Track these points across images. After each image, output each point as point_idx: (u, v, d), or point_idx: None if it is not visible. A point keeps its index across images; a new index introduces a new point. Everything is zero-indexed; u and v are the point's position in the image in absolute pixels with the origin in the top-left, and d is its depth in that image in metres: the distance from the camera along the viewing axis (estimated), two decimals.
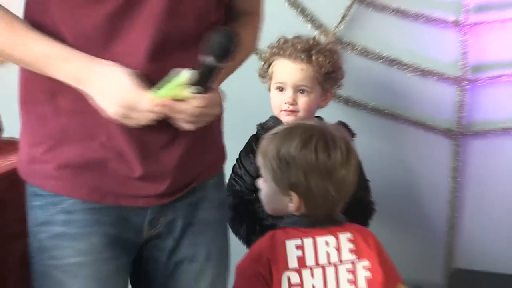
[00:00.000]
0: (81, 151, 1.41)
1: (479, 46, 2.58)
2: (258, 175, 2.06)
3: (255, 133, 2.25)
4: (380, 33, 2.60)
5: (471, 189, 2.68)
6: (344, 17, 2.56)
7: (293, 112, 2.18)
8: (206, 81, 1.42)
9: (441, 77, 2.59)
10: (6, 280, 1.72)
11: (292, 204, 1.76)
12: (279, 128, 1.85)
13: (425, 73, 2.59)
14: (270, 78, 2.22)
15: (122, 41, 1.36)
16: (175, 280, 1.62)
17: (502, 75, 2.55)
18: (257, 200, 2.13)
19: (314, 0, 2.56)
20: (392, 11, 2.54)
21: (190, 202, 1.54)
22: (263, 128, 2.24)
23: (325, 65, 2.19)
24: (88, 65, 1.35)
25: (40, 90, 1.41)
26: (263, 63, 2.27)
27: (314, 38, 2.30)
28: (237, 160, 2.28)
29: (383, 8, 2.55)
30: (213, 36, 1.40)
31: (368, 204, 2.24)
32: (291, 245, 1.74)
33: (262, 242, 1.81)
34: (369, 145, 2.57)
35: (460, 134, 2.62)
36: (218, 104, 1.47)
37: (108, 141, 1.40)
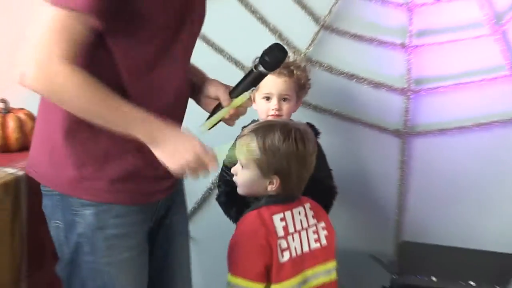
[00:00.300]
0: (122, 165, 1.53)
1: (421, 64, 2.83)
2: None
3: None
4: (342, 53, 2.83)
5: (414, 177, 2.91)
6: (313, 40, 2.79)
7: (278, 116, 2.42)
8: (254, 85, 1.64)
9: (391, 88, 2.84)
10: None
11: (272, 185, 1.95)
12: (257, 125, 2.01)
13: (377, 85, 2.84)
14: (257, 90, 2.39)
15: (160, 72, 1.53)
16: (173, 250, 1.83)
17: (438, 87, 2.82)
18: None
19: (289, 27, 2.80)
20: (351, 36, 2.79)
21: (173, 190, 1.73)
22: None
23: (302, 78, 2.47)
24: (161, 128, 1.46)
25: (83, 121, 1.46)
26: None
27: (289, 57, 2.42)
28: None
29: (344, 34, 2.79)
30: (272, 48, 1.60)
31: (332, 188, 2.49)
32: (277, 218, 1.93)
33: (252, 220, 1.98)
34: (333, 143, 2.81)
35: (406, 134, 2.87)
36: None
37: (138, 153, 1.52)
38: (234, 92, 1.68)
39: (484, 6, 2.72)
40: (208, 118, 1.71)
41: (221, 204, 2.47)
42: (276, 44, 1.64)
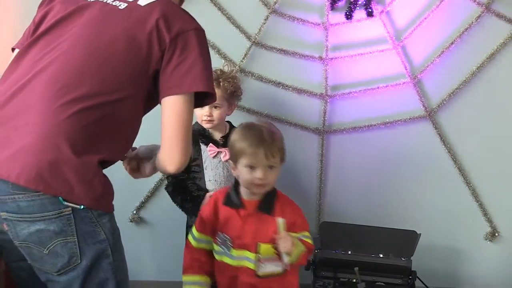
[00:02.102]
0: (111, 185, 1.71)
1: (336, 73, 3.04)
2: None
3: None
4: (270, 65, 3.02)
5: (332, 168, 3.12)
6: (245, 54, 3.00)
7: (210, 121, 2.58)
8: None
9: (311, 94, 3.04)
10: None
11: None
12: (244, 130, 2.16)
13: (300, 91, 3.04)
14: None
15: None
16: None
17: (351, 92, 3.05)
18: (188, 178, 2.58)
19: (225, 43, 2.98)
20: (277, 50, 3.01)
21: None
22: (196, 124, 2.58)
23: (229, 88, 2.58)
24: None
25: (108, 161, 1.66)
26: None
27: (220, 69, 2.65)
28: None
29: (271, 49, 3.01)
30: None
31: None
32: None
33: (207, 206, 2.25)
34: None
35: (324, 131, 3.06)
36: None
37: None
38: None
39: (386, 25, 3.02)
40: None
41: (169, 193, 2.62)
42: None
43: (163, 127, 1.69)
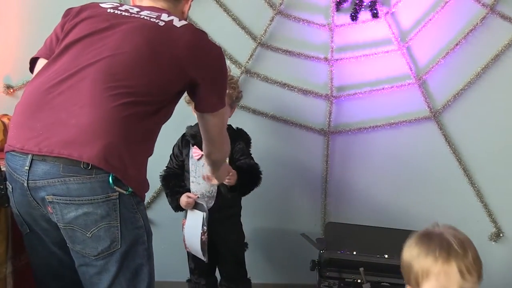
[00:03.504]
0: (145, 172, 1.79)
1: (341, 74, 3.06)
2: (182, 160, 2.60)
3: (184, 132, 2.64)
4: (275, 66, 3.04)
5: (336, 168, 3.13)
6: (251, 55, 3.02)
7: None
8: None
9: (316, 95, 3.06)
10: None
11: None
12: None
13: (305, 92, 3.06)
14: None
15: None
16: None
17: (356, 93, 3.07)
18: (179, 174, 2.65)
19: (231, 44, 2.99)
20: (283, 51, 3.03)
21: None
22: (188, 129, 2.63)
23: (234, 94, 2.57)
24: None
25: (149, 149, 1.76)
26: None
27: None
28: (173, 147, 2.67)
29: (277, 50, 3.04)
30: None
31: (256, 165, 2.60)
32: None
33: None
34: (269, 140, 3.02)
35: (330, 132, 3.08)
36: None
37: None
38: None
39: (391, 26, 3.04)
40: None
41: (161, 184, 2.71)
42: None
43: (209, 131, 1.96)
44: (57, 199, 1.63)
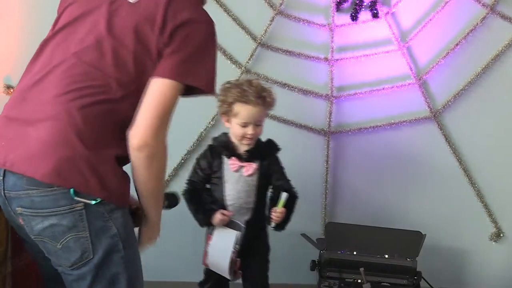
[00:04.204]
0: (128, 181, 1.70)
1: (341, 74, 3.06)
2: (209, 173, 2.48)
3: (211, 143, 2.57)
4: (276, 66, 3.03)
5: (337, 169, 3.12)
6: (251, 55, 3.02)
7: (252, 139, 2.47)
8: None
9: (317, 95, 3.06)
10: None
11: None
12: None
13: (306, 92, 3.06)
14: (235, 116, 2.40)
15: None
16: None
17: (356, 93, 3.07)
18: (205, 189, 2.55)
19: (231, 44, 2.99)
20: (283, 52, 3.03)
21: None
22: (216, 140, 2.56)
23: (272, 103, 2.49)
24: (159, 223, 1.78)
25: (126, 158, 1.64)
26: (221, 103, 2.43)
27: (256, 83, 2.44)
28: (196, 159, 2.57)
29: (277, 50, 3.04)
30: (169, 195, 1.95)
31: (295, 194, 2.57)
32: None
33: None
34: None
35: (330, 132, 3.08)
36: None
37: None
38: None
39: (392, 26, 3.05)
40: None
41: (185, 200, 2.54)
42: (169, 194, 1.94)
43: (141, 105, 1.63)
44: (25, 211, 1.61)
